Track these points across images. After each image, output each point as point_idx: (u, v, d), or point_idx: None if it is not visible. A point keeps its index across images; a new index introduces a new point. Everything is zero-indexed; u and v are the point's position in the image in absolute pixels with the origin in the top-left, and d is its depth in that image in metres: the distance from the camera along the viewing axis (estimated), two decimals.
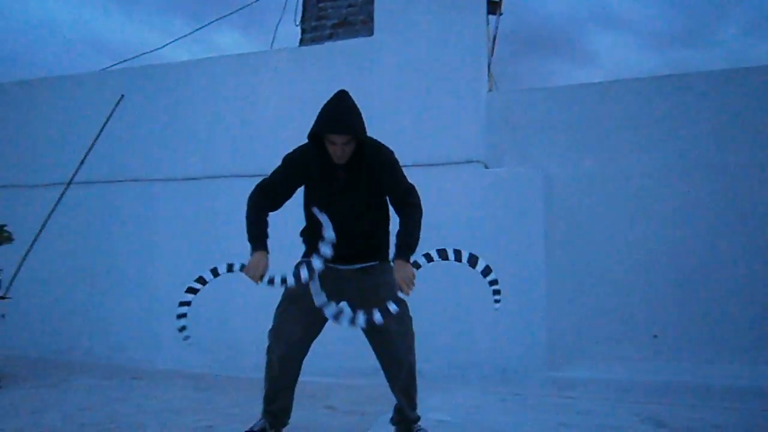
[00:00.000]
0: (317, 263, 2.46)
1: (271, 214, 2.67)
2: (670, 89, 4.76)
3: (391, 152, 2.64)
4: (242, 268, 2.52)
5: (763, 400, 3.66)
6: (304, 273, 2.46)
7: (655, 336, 4.48)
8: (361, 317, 2.45)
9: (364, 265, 2.66)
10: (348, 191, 2.58)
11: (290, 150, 2.68)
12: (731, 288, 4.37)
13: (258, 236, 2.57)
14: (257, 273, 2.47)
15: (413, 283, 2.43)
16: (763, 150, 4.45)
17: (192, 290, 2.61)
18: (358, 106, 2.58)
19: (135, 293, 5.31)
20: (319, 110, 2.54)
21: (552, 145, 4.88)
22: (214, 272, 2.59)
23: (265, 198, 2.64)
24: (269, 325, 2.69)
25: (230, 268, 2.55)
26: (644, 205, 4.61)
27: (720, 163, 4.50)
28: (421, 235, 2.58)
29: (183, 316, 2.60)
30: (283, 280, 2.48)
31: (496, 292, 2.61)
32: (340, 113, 2.48)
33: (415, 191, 2.65)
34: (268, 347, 2.68)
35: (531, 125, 4.98)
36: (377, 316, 2.43)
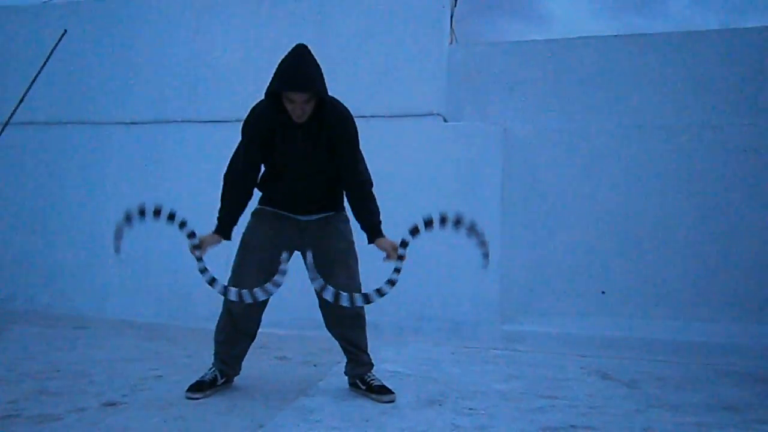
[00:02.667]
0: (261, 294, 2.41)
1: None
2: (630, 49, 4.78)
3: (354, 124, 2.55)
4: (190, 235, 2.49)
5: (703, 353, 3.82)
6: (246, 297, 2.41)
7: (603, 292, 4.59)
8: (329, 292, 2.42)
9: (321, 215, 2.64)
10: (306, 151, 2.51)
11: (248, 106, 2.58)
12: (676, 248, 4.49)
13: (224, 221, 2.58)
14: (197, 250, 2.49)
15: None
16: (718, 113, 4.53)
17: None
18: (318, 55, 2.46)
19: (80, 240, 5.13)
20: (278, 62, 2.40)
21: (512, 100, 4.86)
22: (171, 217, 2.50)
23: (237, 174, 2.58)
24: (222, 275, 2.62)
25: (182, 225, 2.49)
26: (599, 164, 4.66)
27: (675, 125, 4.56)
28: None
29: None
30: (221, 288, 2.46)
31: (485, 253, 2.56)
32: (298, 70, 2.31)
33: (367, 169, 2.64)
34: (226, 300, 2.62)
35: (491, 80, 4.94)
36: (357, 299, 2.47)
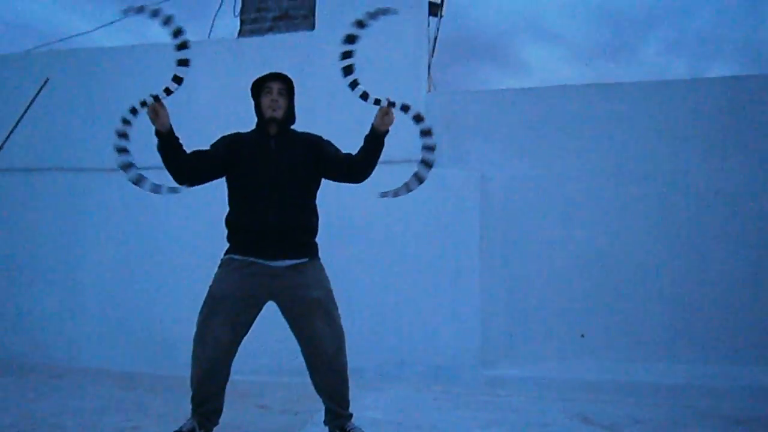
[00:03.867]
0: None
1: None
2: (602, 97, 4.92)
3: None
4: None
5: (681, 395, 3.85)
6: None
7: (582, 335, 4.62)
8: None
9: (295, 261, 2.56)
10: (280, 153, 2.60)
11: None
12: (653, 290, 4.55)
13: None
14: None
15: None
16: (688, 159, 4.66)
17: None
18: (297, 104, 2.78)
19: (57, 287, 5.06)
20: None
21: (489, 147, 4.96)
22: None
23: (194, 153, 2.67)
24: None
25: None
26: (575, 209, 4.74)
27: (647, 171, 4.68)
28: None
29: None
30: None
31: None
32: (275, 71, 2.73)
33: None
34: (194, 353, 2.55)
35: (469, 127, 5.03)
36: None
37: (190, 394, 2.63)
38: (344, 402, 2.67)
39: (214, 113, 4.90)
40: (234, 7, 5.82)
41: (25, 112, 4.86)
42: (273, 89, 2.66)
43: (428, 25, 5.73)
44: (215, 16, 5.86)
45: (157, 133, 2.58)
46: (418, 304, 4.44)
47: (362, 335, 4.41)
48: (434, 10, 6.29)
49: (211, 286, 2.57)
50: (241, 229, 2.58)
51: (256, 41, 5.21)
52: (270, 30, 5.54)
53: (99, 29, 6.26)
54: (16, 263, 5.19)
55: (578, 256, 4.68)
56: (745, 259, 4.47)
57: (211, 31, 5.89)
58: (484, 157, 4.92)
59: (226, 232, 2.64)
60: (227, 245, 2.65)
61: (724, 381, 4.03)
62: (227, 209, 2.66)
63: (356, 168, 2.69)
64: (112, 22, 6.28)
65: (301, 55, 4.90)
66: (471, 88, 6.11)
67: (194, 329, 2.57)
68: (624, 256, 4.63)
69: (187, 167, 2.60)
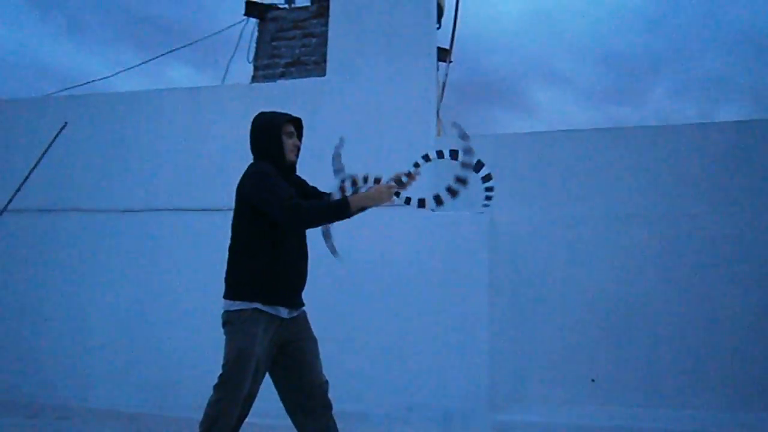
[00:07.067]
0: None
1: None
2: (608, 141, 4.97)
3: None
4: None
5: None
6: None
7: (593, 380, 4.57)
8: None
9: (299, 311, 2.59)
10: None
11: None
12: (663, 334, 4.52)
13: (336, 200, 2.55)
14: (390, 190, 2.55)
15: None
16: (694, 201, 4.67)
17: None
18: (308, 147, 2.77)
19: (67, 327, 5.10)
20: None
21: (497, 191, 4.97)
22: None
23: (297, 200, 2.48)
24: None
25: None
26: (584, 253, 4.74)
27: (654, 214, 4.69)
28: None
29: None
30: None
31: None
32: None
33: None
34: (222, 409, 2.42)
35: None
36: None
37: None
38: None
39: (227, 156, 4.99)
40: (248, 53, 5.99)
41: (44, 154, 4.97)
42: (295, 134, 2.71)
43: (437, 70, 5.85)
44: (229, 61, 6.03)
45: (356, 208, 2.47)
46: (427, 348, 4.43)
47: (370, 379, 4.39)
48: (443, 55, 6.43)
49: (241, 344, 2.41)
50: (277, 277, 2.49)
51: (268, 86, 5.34)
52: (282, 75, 5.68)
53: (118, 75, 6.43)
54: (27, 302, 5.23)
55: (587, 299, 4.67)
56: (755, 303, 4.43)
57: (225, 76, 6.04)
58: (493, 200, 4.94)
59: (248, 279, 2.47)
60: (246, 292, 2.46)
61: (736, 428, 3.96)
62: (252, 257, 2.48)
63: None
64: (131, 68, 6.47)
65: (312, 100, 5.01)
66: (482, 130, 6.18)
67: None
68: (633, 300, 4.60)
69: None
